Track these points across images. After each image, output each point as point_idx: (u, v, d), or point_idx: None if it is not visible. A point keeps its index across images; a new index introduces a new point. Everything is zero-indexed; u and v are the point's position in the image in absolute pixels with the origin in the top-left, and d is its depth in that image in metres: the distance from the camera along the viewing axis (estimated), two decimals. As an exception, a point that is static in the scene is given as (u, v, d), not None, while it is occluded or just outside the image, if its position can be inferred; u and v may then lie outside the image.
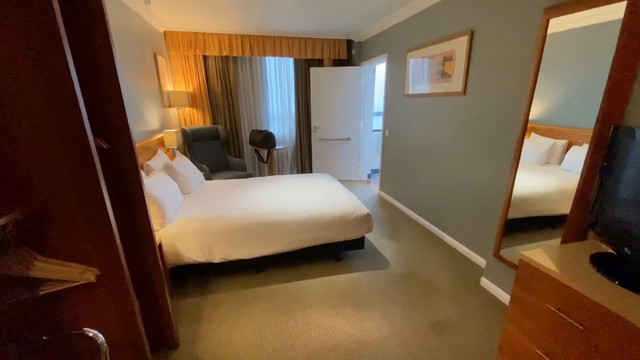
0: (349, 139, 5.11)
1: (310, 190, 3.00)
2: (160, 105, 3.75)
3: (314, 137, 5.16)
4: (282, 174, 5.44)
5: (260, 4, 3.25)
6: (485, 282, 2.30)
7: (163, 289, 1.68)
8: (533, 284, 1.35)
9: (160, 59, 3.87)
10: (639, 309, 1.01)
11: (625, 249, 1.19)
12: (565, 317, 1.19)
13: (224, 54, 4.39)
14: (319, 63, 4.96)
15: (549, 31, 1.71)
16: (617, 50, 1.36)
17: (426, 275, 2.48)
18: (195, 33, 4.25)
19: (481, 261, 2.57)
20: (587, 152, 1.51)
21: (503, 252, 2.10)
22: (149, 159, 2.99)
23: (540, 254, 1.37)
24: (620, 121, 1.42)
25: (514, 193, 2.02)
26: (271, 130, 5.20)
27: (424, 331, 1.89)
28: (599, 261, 1.28)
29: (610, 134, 1.36)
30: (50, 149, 0.99)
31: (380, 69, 5.02)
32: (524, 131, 1.89)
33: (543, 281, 1.30)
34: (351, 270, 2.56)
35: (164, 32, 4.17)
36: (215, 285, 2.37)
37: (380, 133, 4.45)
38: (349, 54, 4.97)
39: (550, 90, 1.77)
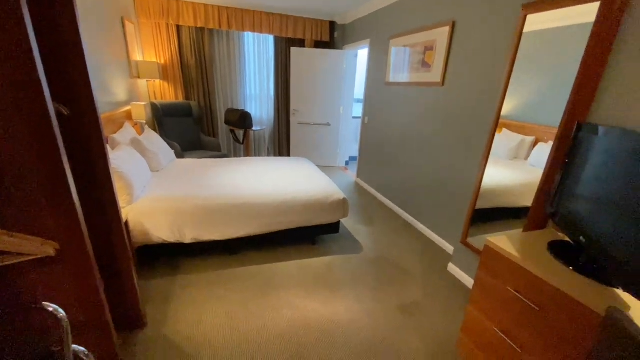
0: (328, 124, 5.08)
1: (287, 173, 2.97)
2: (127, 76, 3.49)
3: (293, 120, 5.07)
4: (258, 156, 5.32)
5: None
6: (452, 267, 2.43)
7: (130, 268, 1.61)
8: (496, 267, 1.44)
9: (129, 25, 3.57)
10: (589, 291, 1.10)
11: (581, 238, 1.28)
12: (523, 299, 1.29)
13: (199, 25, 4.13)
14: (301, 43, 4.83)
15: (527, 29, 1.76)
16: (586, 50, 1.42)
17: (397, 260, 2.57)
18: (169, 0, 3.95)
19: (449, 248, 2.70)
20: (552, 147, 1.60)
21: (470, 240, 2.22)
22: (115, 132, 2.80)
23: (504, 240, 1.45)
24: (584, 118, 1.51)
25: (482, 185, 2.11)
26: (248, 110, 5.04)
27: (392, 313, 1.97)
28: (556, 248, 1.38)
29: (574, 130, 1.44)
30: (3, 112, 0.89)
31: (362, 55, 4.98)
32: (496, 125, 1.96)
33: (505, 265, 1.38)
34: (326, 254, 2.59)
35: (134, -5, 3.84)
36: (187, 266, 2.30)
37: (360, 120, 4.46)
38: (331, 36, 4.87)
39: (523, 87, 1.83)
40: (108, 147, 2.39)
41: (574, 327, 1.10)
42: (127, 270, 1.61)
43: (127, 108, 3.26)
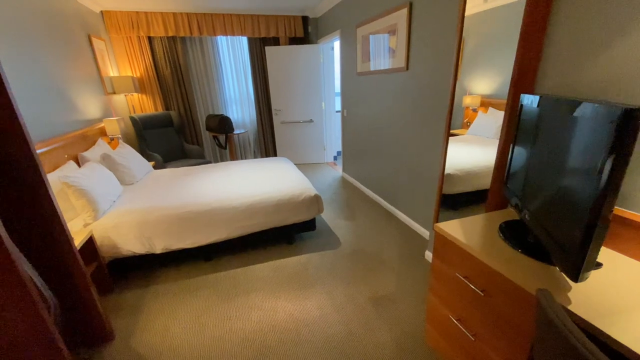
0: (311, 121, 5.03)
1: (261, 174, 2.95)
2: (101, 92, 3.52)
3: (276, 120, 5.04)
4: (244, 159, 5.32)
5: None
6: (428, 254, 2.37)
7: (87, 285, 1.62)
8: (445, 253, 1.39)
9: (98, 42, 3.60)
10: (530, 273, 1.04)
11: (525, 215, 1.23)
12: (470, 284, 1.24)
13: (170, 34, 4.13)
14: (275, 42, 4.78)
15: (494, 4, 1.64)
16: (523, 21, 1.34)
17: (375, 251, 2.53)
18: (137, 12, 3.95)
19: (427, 234, 2.64)
20: (503, 121, 1.54)
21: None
22: (86, 150, 2.82)
23: (453, 224, 1.40)
24: (531, 90, 1.44)
25: (464, 167, 2.00)
26: (230, 114, 5.04)
27: (363, 306, 1.94)
28: (506, 229, 1.32)
29: (519, 103, 1.37)
30: None
31: (338, 47, 4.90)
32: (452, 106, 1.88)
33: (453, 250, 1.33)
34: (302, 252, 2.57)
35: (101, 12, 3.85)
36: (160, 276, 2.31)
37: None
38: (305, 31, 4.81)
39: (507, 64, 1.73)
40: (73, 165, 2.42)
41: (517, 312, 1.05)
42: (85, 288, 1.62)
43: (101, 125, 3.29)
